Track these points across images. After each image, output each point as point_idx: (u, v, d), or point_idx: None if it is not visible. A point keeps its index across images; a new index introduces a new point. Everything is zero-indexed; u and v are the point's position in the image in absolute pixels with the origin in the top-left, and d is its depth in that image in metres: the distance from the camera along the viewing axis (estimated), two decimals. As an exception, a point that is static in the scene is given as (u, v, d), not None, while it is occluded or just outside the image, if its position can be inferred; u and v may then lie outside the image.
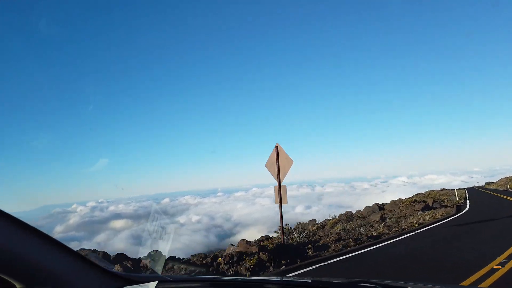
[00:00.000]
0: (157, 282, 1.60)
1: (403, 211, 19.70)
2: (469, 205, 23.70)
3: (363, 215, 19.94)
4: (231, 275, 7.41)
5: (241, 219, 75.07)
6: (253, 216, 78.09)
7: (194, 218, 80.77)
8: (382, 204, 24.74)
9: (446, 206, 22.99)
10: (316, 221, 19.60)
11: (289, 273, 7.55)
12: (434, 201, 24.45)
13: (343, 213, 21.55)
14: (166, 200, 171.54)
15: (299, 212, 76.14)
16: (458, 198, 29.54)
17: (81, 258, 1.37)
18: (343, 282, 1.83)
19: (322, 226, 16.83)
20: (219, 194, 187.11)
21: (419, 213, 17.94)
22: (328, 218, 20.07)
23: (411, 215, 17.32)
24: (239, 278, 1.87)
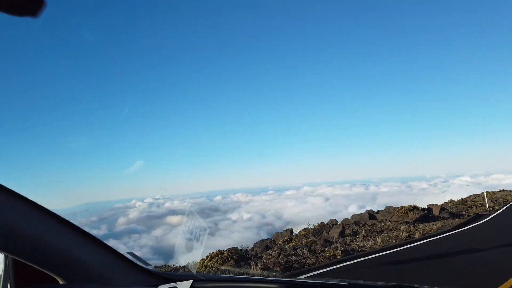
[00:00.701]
0: (192, 280, 1.64)
1: (387, 223, 15.81)
2: (491, 218, 17.03)
3: (348, 224, 16.95)
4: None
5: (292, 218, 74.79)
6: (304, 214, 77.40)
7: (246, 215, 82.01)
8: (378, 211, 20.52)
9: (458, 216, 17.92)
10: (292, 230, 17.48)
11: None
12: (442, 209, 19.24)
13: (326, 222, 18.61)
14: (219, 197, 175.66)
15: (352, 211, 73.79)
16: (493, 204, 22.99)
17: (120, 256, 1.45)
18: (380, 285, 1.76)
19: (290, 239, 14.74)
20: (270, 192, 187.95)
21: (402, 227, 13.81)
22: (307, 227, 17.44)
23: (391, 230, 13.53)
24: (273, 278, 1.85)
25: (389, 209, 19.56)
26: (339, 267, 8.40)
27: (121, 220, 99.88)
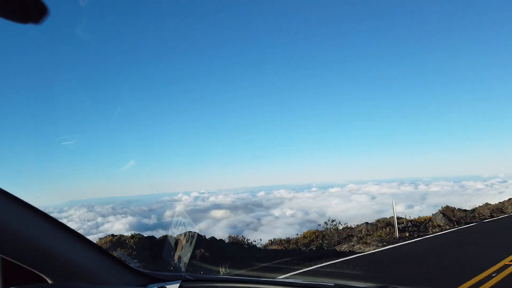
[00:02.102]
0: (180, 281, 1.64)
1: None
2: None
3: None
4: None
5: (336, 216, 72.92)
6: (349, 213, 75.72)
7: (288, 212, 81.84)
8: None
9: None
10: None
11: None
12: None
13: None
14: (262, 193, 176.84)
15: (399, 211, 70.45)
16: (444, 222, 15.60)
17: (108, 255, 1.44)
18: (367, 286, 1.76)
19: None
20: (314, 189, 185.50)
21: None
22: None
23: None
24: (262, 278, 1.82)
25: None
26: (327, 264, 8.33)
27: (168, 212, 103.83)
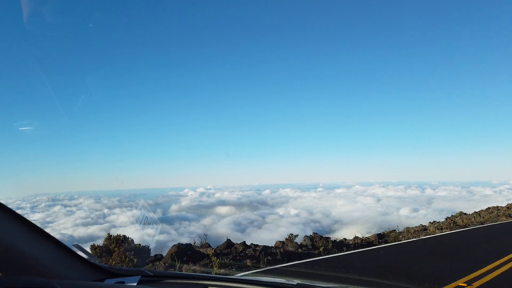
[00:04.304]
0: (140, 276, 1.60)
1: None
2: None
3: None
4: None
5: (341, 217, 73.40)
6: (354, 214, 75.63)
7: (293, 211, 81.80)
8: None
9: None
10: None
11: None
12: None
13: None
14: (267, 191, 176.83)
15: (403, 214, 71.03)
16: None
17: (65, 248, 1.38)
18: (330, 286, 1.75)
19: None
20: (320, 189, 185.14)
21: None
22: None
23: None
24: (223, 276, 1.83)
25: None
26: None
27: (174, 207, 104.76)
